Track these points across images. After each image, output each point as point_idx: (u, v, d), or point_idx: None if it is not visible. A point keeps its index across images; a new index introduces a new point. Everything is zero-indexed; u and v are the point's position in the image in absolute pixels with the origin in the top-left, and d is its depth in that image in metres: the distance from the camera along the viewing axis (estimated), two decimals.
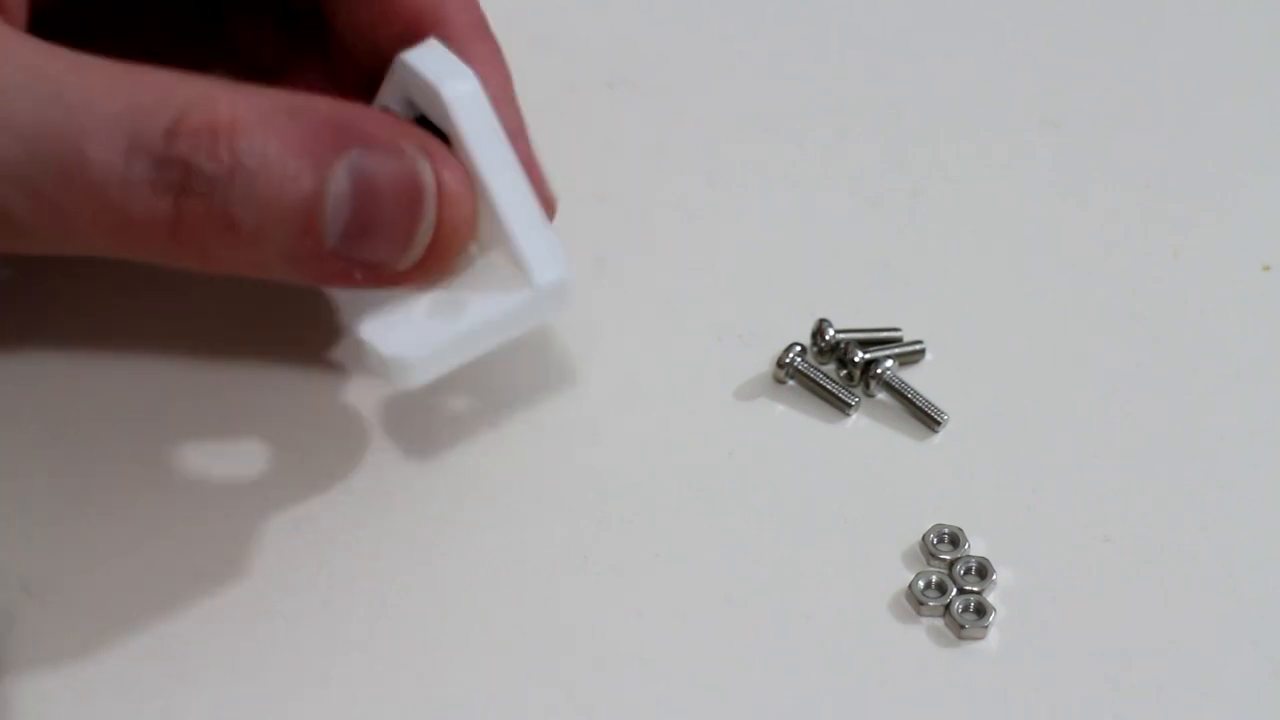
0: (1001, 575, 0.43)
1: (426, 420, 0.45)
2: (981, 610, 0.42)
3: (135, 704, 0.40)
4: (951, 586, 0.42)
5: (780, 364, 0.46)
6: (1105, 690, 0.41)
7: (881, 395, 0.47)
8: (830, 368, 0.47)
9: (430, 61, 0.39)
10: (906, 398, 0.46)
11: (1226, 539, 0.44)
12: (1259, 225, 0.52)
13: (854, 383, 0.47)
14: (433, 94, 0.38)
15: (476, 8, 0.42)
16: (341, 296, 0.41)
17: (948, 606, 0.42)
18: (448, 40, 0.40)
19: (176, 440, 0.44)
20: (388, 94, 0.40)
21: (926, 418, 0.46)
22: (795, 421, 0.46)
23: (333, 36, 0.44)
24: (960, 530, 0.43)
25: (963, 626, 0.41)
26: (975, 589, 0.42)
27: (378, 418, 0.45)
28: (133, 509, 0.43)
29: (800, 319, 0.48)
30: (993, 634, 0.42)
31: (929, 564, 0.43)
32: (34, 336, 0.46)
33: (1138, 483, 0.45)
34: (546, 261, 0.39)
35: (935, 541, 0.43)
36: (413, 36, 0.40)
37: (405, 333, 0.39)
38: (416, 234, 0.38)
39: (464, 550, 0.43)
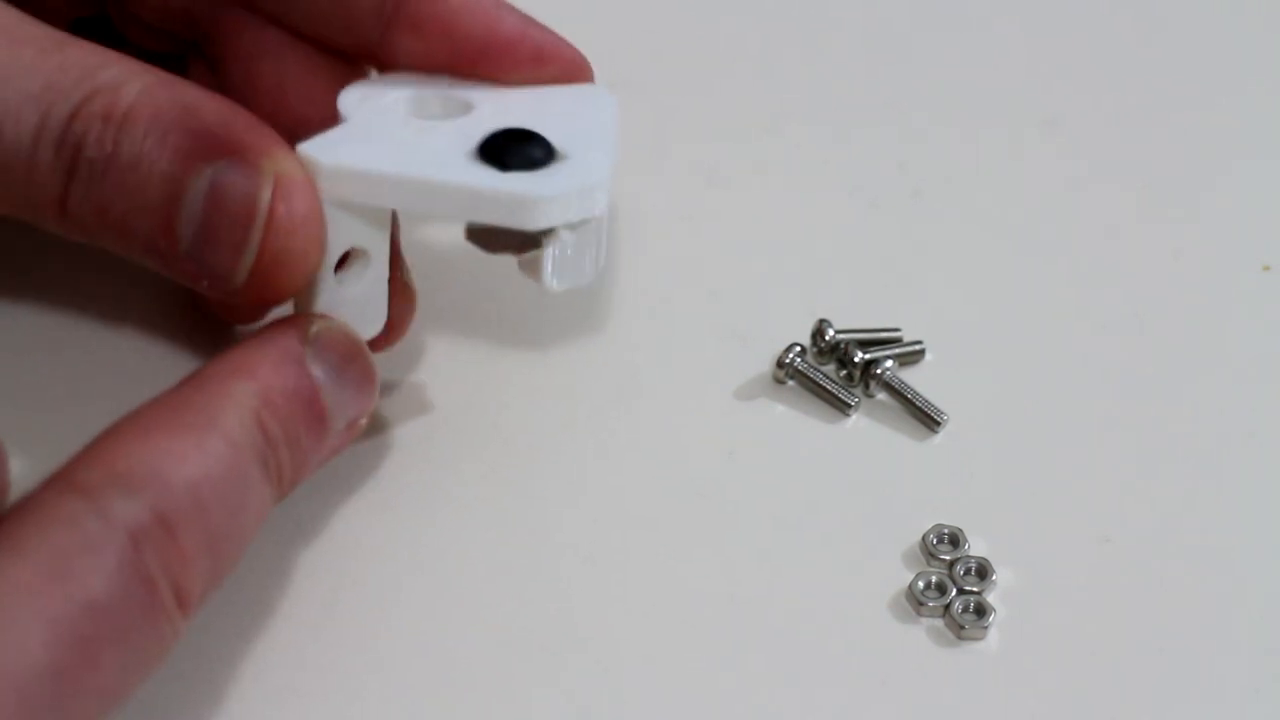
0: (1001, 575, 0.43)
1: (426, 420, 0.45)
2: (981, 610, 0.42)
3: (135, 704, 0.40)
4: (951, 587, 0.42)
5: (780, 364, 0.46)
6: (1105, 690, 0.41)
7: (881, 395, 0.47)
8: (830, 368, 0.47)
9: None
10: (906, 398, 0.46)
11: (1226, 539, 0.44)
12: (1259, 225, 0.52)
13: (854, 383, 0.47)
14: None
15: None
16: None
17: (948, 607, 0.42)
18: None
19: None
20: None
21: (926, 418, 0.46)
22: (795, 421, 0.46)
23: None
24: (960, 530, 0.43)
25: (963, 626, 0.41)
26: (975, 589, 0.42)
27: (378, 418, 0.45)
28: None
29: (800, 319, 0.48)
30: (993, 634, 0.42)
31: (929, 564, 0.43)
32: (34, 334, 0.46)
33: (1138, 483, 0.45)
34: None
35: (935, 541, 0.43)
36: None
37: (344, 147, 0.39)
38: (243, 255, 0.37)
39: (464, 549, 0.43)
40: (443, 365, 0.46)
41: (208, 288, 0.38)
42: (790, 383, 0.47)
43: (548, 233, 0.39)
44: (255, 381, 0.36)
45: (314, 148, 0.38)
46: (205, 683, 0.40)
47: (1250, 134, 0.55)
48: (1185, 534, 0.44)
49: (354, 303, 0.40)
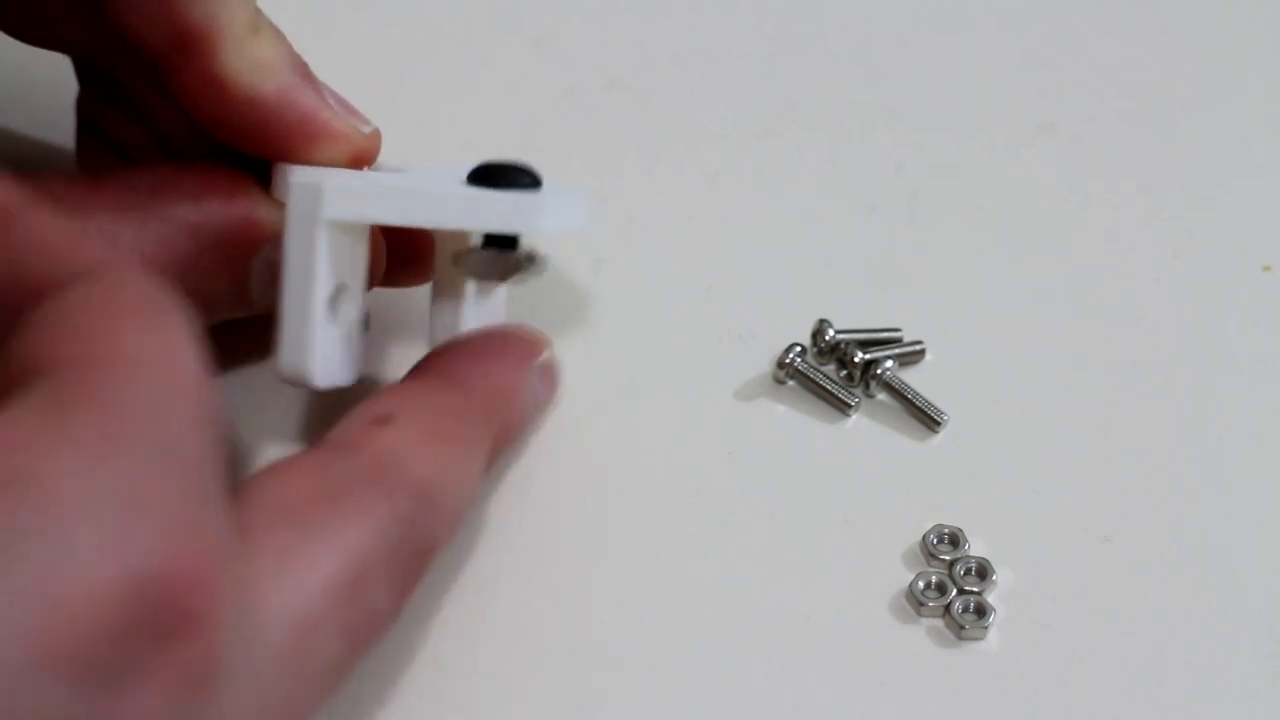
0: (1001, 575, 0.43)
1: None
2: (981, 610, 0.42)
3: None
4: (951, 587, 0.42)
5: (780, 364, 0.46)
6: (1105, 690, 0.41)
7: (881, 395, 0.47)
8: (830, 368, 0.47)
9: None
10: (906, 398, 0.46)
11: (1226, 539, 0.44)
12: (1259, 225, 0.52)
13: (854, 383, 0.47)
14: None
15: (246, 3, 0.40)
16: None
17: (948, 607, 0.42)
18: (221, 42, 0.39)
19: None
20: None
21: (926, 418, 0.46)
22: (795, 421, 0.46)
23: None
24: (960, 530, 0.43)
25: (963, 627, 0.41)
26: (975, 589, 0.42)
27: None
28: None
29: (800, 319, 0.48)
30: (993, 634, 0.42)
31: (929, 564, 0.43)
32: None
33: (1138, 483, 0.45)
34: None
35: (935, 542, 0.43)
36: (182, 44, 0.40)
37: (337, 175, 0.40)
38: None
39: (464, 550, 0.43)
40: None
41: None
42: (790, 383, 0.47)
43: (533, 260, 0.40)
44: None
45: (309, 174, 0.39)
46: None
47: (1250, 135, 0.55)
48: (1185, 534, 0.44)
49: (340, 341, 0.40)
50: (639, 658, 0.41)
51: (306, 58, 0.42)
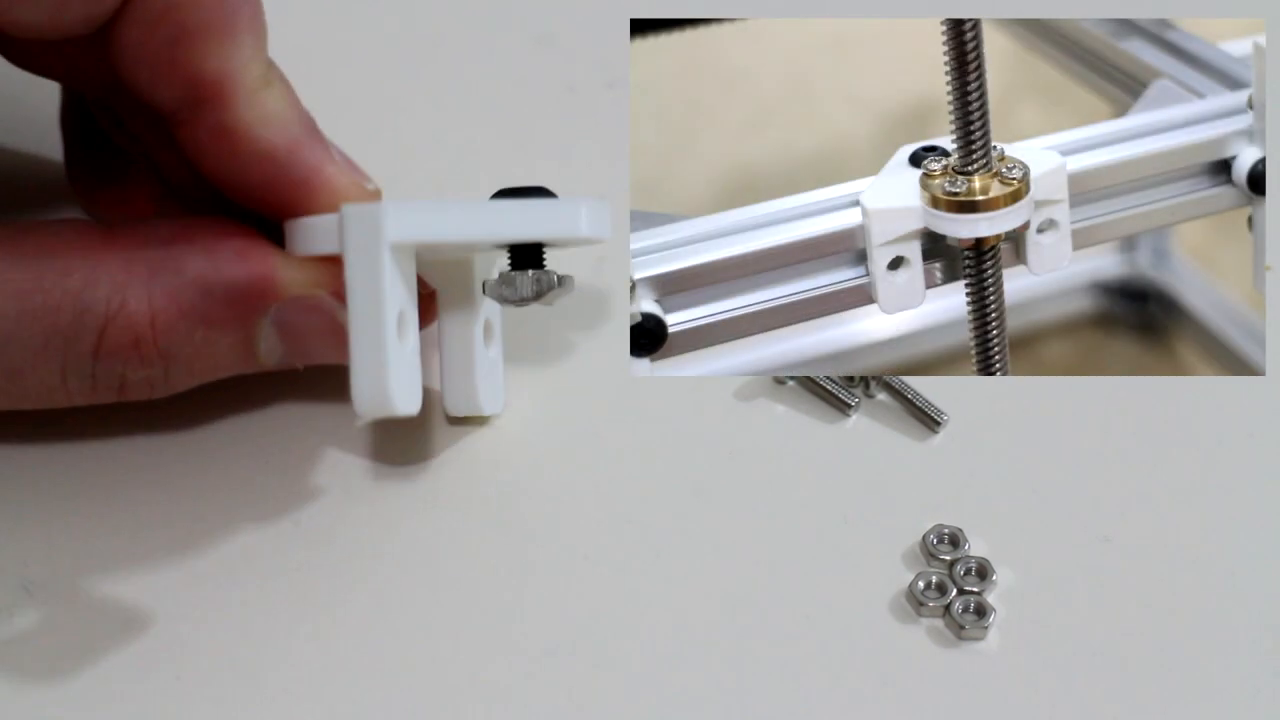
0: (1001, 575, 0.43)
1: (427, 422, 0.45)
2: (981, 611, 0.42)
3: (135, 704, 0.40)
4: (951, 587, 0.42)
5: None
6: (1105, 690, 0.41)
7: (881, 395, 0.47)
8: None
9: None
10: (906, 398, 0.46)
11: (1226, 539, 0.44)
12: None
13: (854, 383, 0.47)
14: None
15: (258, 57, 0.40)
16: None
17: (948, 607, 0.42)
18: (234, 94, 0.39)
19: (177, 440, 0.44)
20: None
21: (926, 418, 0.46)
22: (795, 421, 0.46)
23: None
24: (960, 530, 0.43)
25: (963, 627, 0.41)
26: (975, 589, 0.42)
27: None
28: (133, 509, 0.43)
29: None
30: (993, 634, 0.42)
31: (929, 564, 0.43)
32: None
33: (1138, 483, 0.45)
34: None
35: (935, 542, 0.43)
36: (194, 97, 0.39)
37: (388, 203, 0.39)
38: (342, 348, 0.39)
39: (465, 550, 0.43)
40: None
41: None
42: (790, 383, 0.47)
43: (565, 280, 0.41)
44: None
45: (365, 207, 0.38)
46: (205, 683, 0.40)
47: None
48: (1185, 534, 0.44)
49: (409, 368, 0.40)
50: (639, 658, 0.41)
51: (309, 56, 0.42)
